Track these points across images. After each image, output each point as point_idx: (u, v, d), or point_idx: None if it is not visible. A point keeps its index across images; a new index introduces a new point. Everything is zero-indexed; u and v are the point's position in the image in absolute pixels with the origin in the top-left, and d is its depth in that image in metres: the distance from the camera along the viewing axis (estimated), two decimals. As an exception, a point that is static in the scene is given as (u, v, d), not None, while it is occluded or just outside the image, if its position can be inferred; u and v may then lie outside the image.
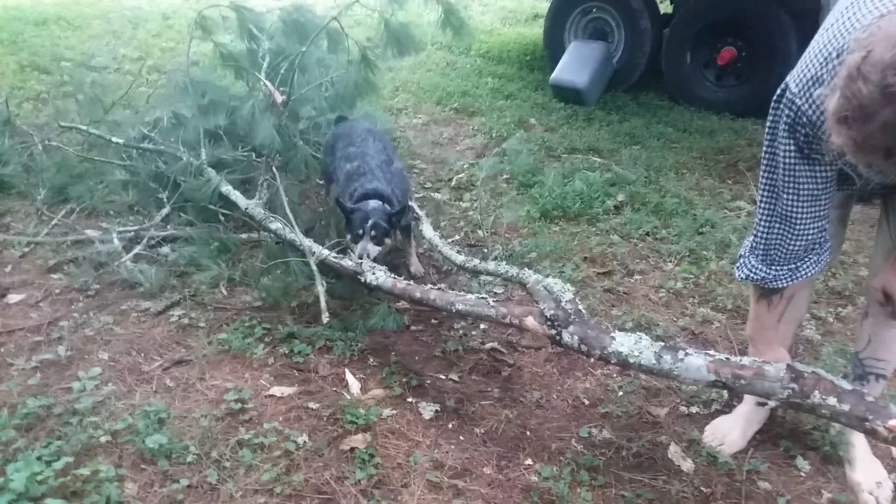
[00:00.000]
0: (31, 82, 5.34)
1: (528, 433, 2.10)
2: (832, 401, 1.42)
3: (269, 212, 2.93)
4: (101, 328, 2.51)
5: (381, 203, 2.70)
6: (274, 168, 3.16)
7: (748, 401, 2.05)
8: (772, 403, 1.54)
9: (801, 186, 1.46)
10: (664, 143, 4.53)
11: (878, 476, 1.89)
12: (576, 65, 5.31)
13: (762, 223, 1.58)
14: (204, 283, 2.79)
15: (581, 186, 3.69)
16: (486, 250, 3.19)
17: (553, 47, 5.90)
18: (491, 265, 2.37)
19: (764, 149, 1.51)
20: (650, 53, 5.51)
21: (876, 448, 1.96)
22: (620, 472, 1.94)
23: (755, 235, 1.63)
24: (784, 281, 1.62)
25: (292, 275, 2.67)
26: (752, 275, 1.66)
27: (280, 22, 3.53)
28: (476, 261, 2.49)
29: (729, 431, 2.04)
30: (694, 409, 2.21)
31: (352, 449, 1.97)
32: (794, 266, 1.60)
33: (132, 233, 3.11)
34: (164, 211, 3.25)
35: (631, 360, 1.69)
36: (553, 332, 1.85)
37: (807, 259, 1.59)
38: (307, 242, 2.64)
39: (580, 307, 1.89)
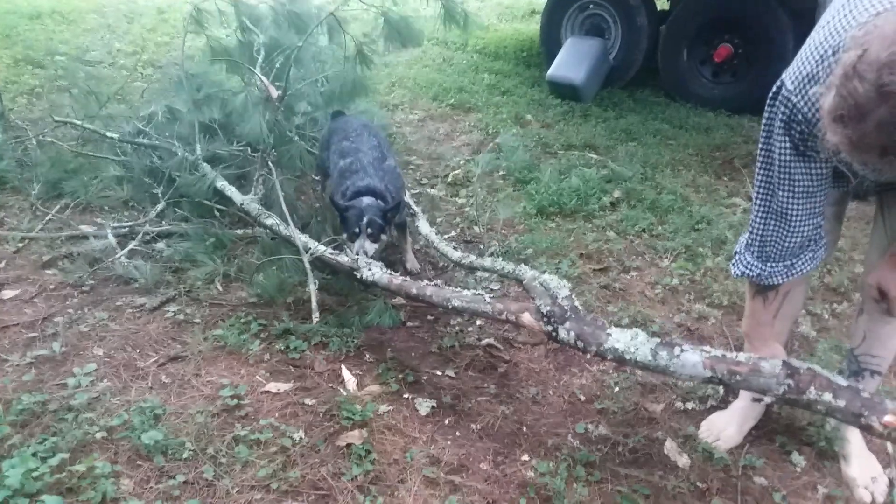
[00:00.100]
0: (25, 77, 5.31)
1: (524, 429, 2.11)
2: (828, 397, 1.43)
3: (265, 207, 2.92)
4: (96, 324, 2.50)
5: (374, 199, 2.69)
6: (270, 163, 3.15)
7: (744, 396, 2.06)
8: (767, 399, 1.55)
9: (796, 183, 1.46)
10: (660, 140, 4.54)
11: (873, 471, 1.90)
12: (572, 61, 5.31)
13: (758, 220, 1.59)
14: (199, 279, 2.78)
15: (577, 183, 3.69)
16: (482, 246, 3.19)
17: (549, 44, 5.90)
18: (487, 261, 2.37)
19: (760, 146, 1.51)
20: (647, 50, 5.51)
21: (871, 443, 1.97)
22: (617, 468, 1.94)
23: (751, 232, 1.63)
24: (779, 277, 1.62)
25: (288, 271, 2.66)
26: (747, 271, 1.66)
27: (275, 14, 3.50)
28: (472, 257, 2.48)
29: (725, 427, 2.05)
30: (690, 405, 2.21)
31: (348, 445, 1.97)
32: (789, 263, 1.60)
33: (127, 228, 3.10)
34: (159, 206, 3.24)
35: (627, 357, 1.69)
36: (549, 328, 1.85)
37: (802, 255, 1.60)
38: (302, 238, 2.63)
39: (576, 303, 1.89)
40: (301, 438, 2.00)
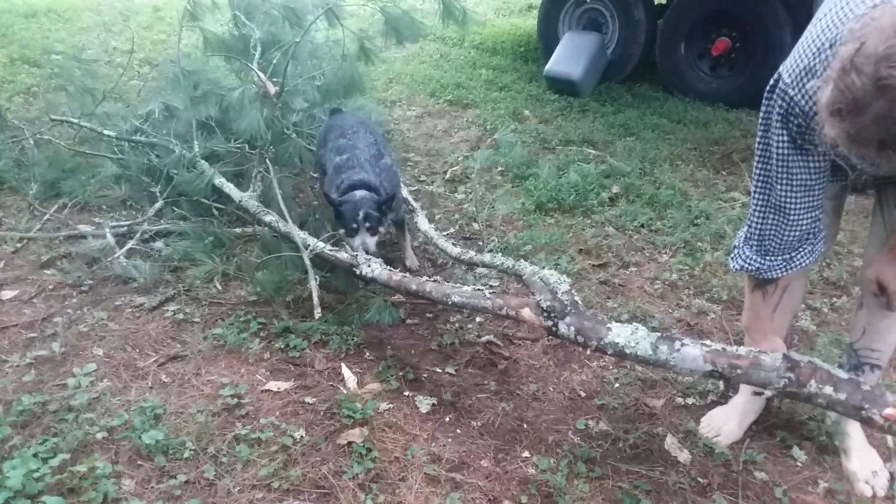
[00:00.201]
0: (21, 76, 5.29)
1: (524, 426, 2.11)
2: (828, 390, 1.42)
3: (263, 205, 2.92)
4: (96, 324, 2.50)
5: (368, 192, 2.68)
6: (267, 160, 3.14)
7: (744, 391, 2.06)
8: (768, 393, 1.55)
9: (794, 176, 1.46)
10: (658, 135, 4.53)
11: (874, 465, 1.90)
12: (570, 56, 5.30)
13: (756, 213, 1.58)
14: (198, 278, 2.78)
15: (576, 178, 3.69)
16: (481, 243, 3.18)
17: (547, 38, 5.89)
18: (487, 257, 2.37)
19: (757, 139, 1.51)
20: (644, 44, 5.50)
21: (871, 437, 1.97)
22: (617, 464, 1.94)
23: (749, 226, 1.63)
24: (778, 271, 1.62)
25: (287, 268, 2.66)
26: (746, 265, 1.66)
27: (272, 8, 3.48)
28: (472, 253, 2.48)
29: (725, 422, 2.05)
30: (690, 400, 2.21)
31: (349, 443, 1.97)
32: (788, 256, 1.60)
33: (125, 227, 3.09)
34: (158, 205, 3.24)
35: (627, 351, 1.69)
36: (549, 323, 1.85)
37: (801, 249, 1.59)
38: (301, 235, 2.63)
39: (576, 298, 1.89)
40: (302, 437, 2.00)
